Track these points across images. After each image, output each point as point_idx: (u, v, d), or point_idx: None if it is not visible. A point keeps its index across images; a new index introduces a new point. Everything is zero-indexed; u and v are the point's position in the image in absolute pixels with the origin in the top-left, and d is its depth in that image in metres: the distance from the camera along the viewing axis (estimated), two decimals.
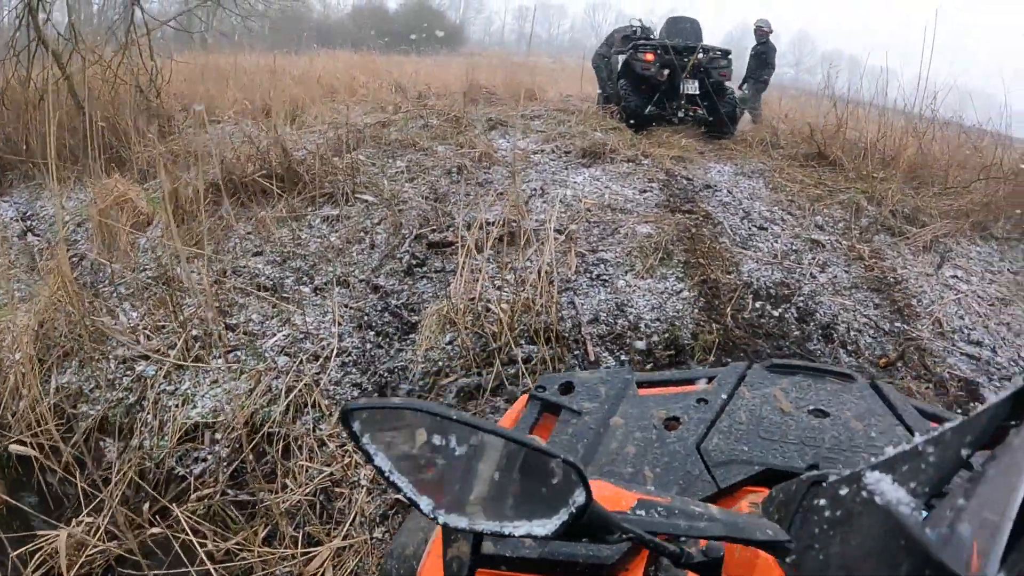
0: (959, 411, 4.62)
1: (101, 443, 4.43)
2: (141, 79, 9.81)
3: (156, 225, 6.63)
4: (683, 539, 1.04)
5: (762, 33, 13.87)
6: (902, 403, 1.81)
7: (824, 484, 0.95)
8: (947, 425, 0.82)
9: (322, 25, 47.60)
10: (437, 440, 0.95)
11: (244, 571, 3.53)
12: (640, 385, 1.91)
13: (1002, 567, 0.60)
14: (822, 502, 0.91)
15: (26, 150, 8.65)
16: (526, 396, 1.86)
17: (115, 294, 5.66)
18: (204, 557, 3.49)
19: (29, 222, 7.37)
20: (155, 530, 3.77)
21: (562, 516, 0.90)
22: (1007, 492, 0.62)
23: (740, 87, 14.06)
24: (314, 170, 7.38)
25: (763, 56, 13.89)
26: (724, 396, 1.78)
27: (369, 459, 0.94)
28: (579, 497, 0.89)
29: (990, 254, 7.37)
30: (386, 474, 0.94)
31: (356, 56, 20.51)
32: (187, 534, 3.62)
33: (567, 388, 1.85)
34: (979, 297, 6.29)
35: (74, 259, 5.61)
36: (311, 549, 3.64)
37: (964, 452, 0.79)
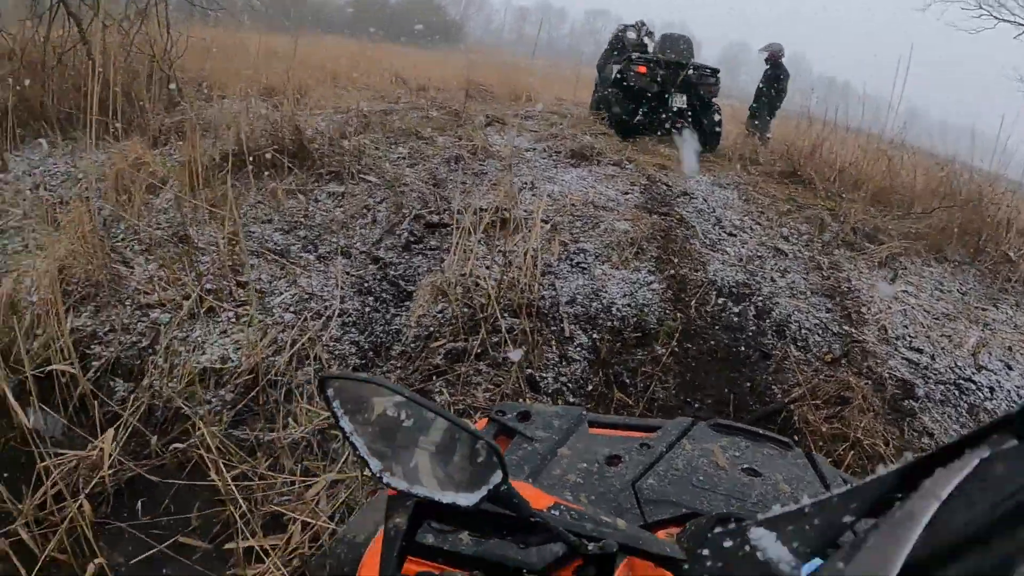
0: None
1: (111, 383, 4.68)
2: (156, 49, 9.88)
3: (170, 188, 6.87)
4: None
5: (773, 57, 14.03)
6: (832, 474, 1.86)
7: (714, 532, 0.98)
8: (835, 490, 0.84)
9: (321, 10, 47.34)
10: (391, 412, 1.08)
11: (247, 492, 3.83)
12: (591, 424, 1.98)
13: None
14: (705, 552, 0.93)
15: (40, 109, 8.80)
16: (486, 419, 1.94)
17: (129, 248, 5.91)
18: (218, 474, 3.82)
19: (41, 178, 7.51)
20: (175, 446, 4.18)
21: (481, 491, 0.99)
22: (884, 561, 0.65)
23: (750, 108, 14.39)
24: (323, 149, 7.83)
25: (774, 80, 13.99)
26: (665, 445, 1.83)
27: (336, 421, 1.07)
28: (496, 477, 0.99)
29: (942, 274, 7.88)
30: (347, 435, 1.07)
31: (355, 44, 20.50)
32: (195, 459, 4.01)
33: (524, 416, 1.92)
34: (925, 311, 6.76)
35: (87, 214, 5.83)
36: (309, 478, 3.97)
37: (848, 518, 0.81)
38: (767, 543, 0.82)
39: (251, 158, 7.03)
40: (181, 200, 6.35)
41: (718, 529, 0.99)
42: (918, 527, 0.67)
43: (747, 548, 0.83)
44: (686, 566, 0.94)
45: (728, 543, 0.88)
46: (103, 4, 9.08)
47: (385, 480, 1.08)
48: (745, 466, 1.76)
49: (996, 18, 18.53)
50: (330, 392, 1.07)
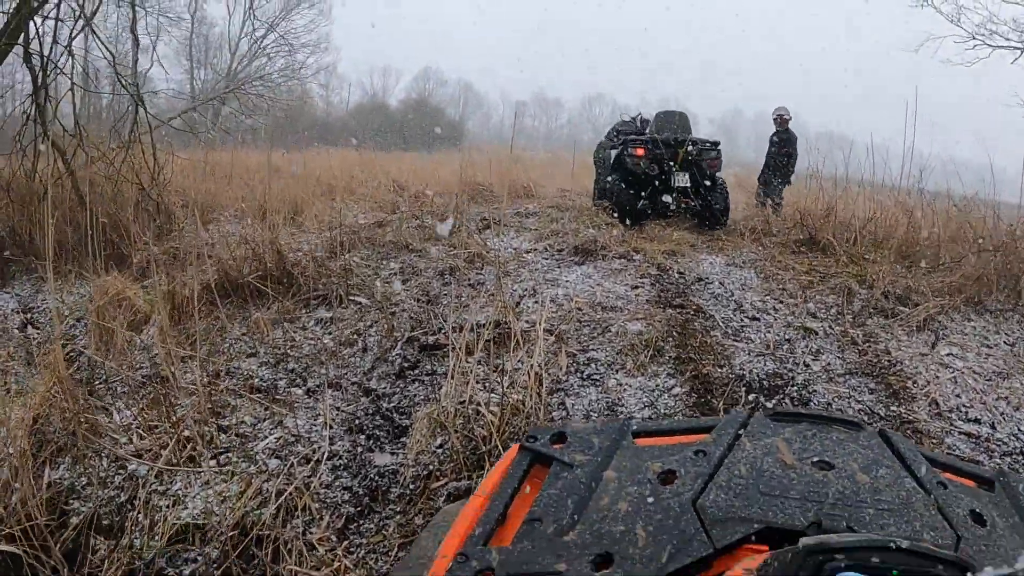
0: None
1: (92, 540, 4.38)
2: (143, 177, 9.99)
3: (153, 324, 6.65)
4: None
5: (782, 121, 13.87)
6: (912, 453, 1.70)
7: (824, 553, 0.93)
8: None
9: (324, 122, 48.46)
10: None
11: None
12: (637, 435, 1.77)
13: None
14: None
15: (29, 243, 8.86)
16: (517, 446, 1.73)
17: (110, 392, 5.68)
18: None
19: (30, 315, 7.46)
20: None
21: None
22: None
23: (759, 178, 14.23)
24: (308, 272, 7.57)
25: (784, 144, 13.80)
26: (723, 448, 1.66)
27: None
28: None
29: (985, 328, 7.36)
30: None
31: (356, 154, 20.72)
32: None
33: (559, 439, 1.72)
34: (975, 373, 6.26)
35: (71, 354, 5.65)
36: None
37: None
38: None
39: (238, 286, 6.78)
40: (161, 338, 6.03)
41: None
42: None
43: None
44: None
45: None
46: (88, 135, 9.19)
47: None
48: (815, 459, 1.60)
49: (990, 46, 18.50)
50: None
